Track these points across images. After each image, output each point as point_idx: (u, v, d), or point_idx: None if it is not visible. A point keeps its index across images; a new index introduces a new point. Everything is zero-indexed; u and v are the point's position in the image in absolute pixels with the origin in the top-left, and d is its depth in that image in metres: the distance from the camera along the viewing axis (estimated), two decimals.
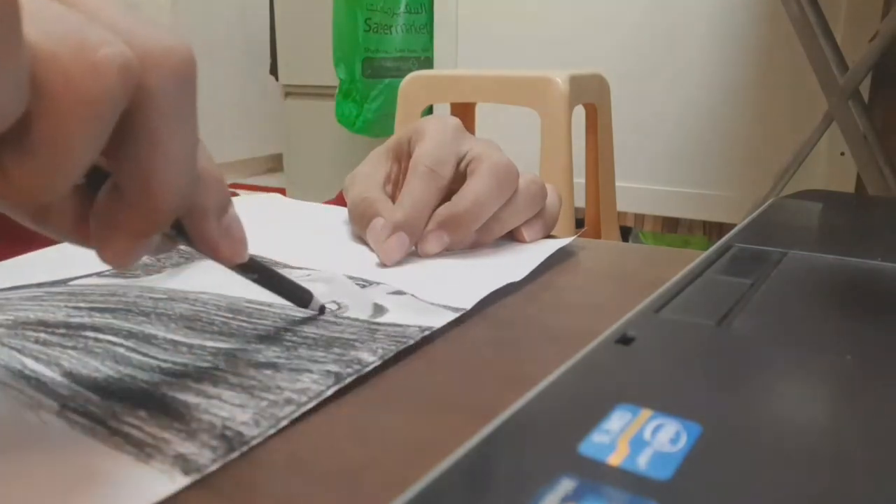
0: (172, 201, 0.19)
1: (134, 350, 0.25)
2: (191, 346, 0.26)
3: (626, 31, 1.73)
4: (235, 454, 0.19)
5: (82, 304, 0.29)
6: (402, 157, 0.42)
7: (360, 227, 0.39)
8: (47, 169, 0.16)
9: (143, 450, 0.19)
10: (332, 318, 0.28)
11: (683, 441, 0.15)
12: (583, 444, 0.15)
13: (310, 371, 0.24)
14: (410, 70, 1.52)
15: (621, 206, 1.57)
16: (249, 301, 0.30)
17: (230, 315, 0.29)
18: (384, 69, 2.07)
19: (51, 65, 0.15)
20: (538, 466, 0.15)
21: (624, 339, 0.21)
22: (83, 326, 0.27)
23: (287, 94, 2.53)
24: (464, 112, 1.47)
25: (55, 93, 0.15)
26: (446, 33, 1.99)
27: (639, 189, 1.77)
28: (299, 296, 0.28)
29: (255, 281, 0.26)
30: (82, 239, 0.21)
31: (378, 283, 0.32)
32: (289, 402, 0.22)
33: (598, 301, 0.33)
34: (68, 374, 0.23)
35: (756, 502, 0.13)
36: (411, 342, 0.26)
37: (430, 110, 1.95)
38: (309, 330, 0.27)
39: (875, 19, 1.47)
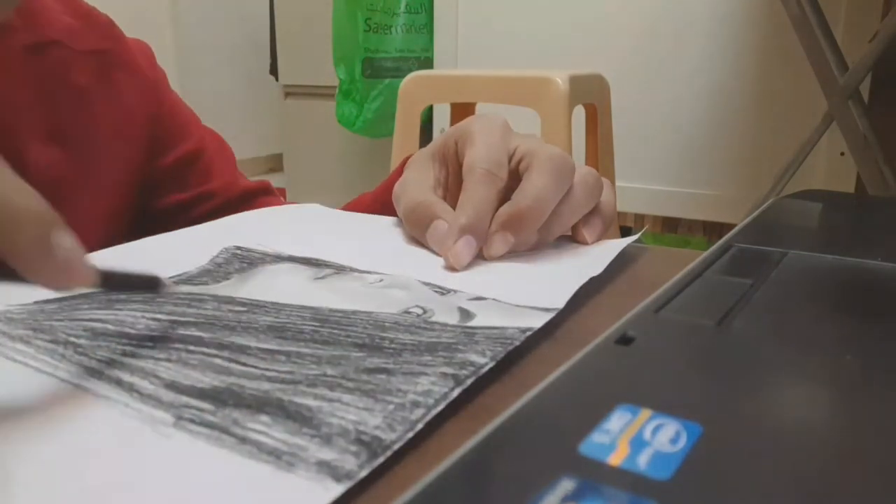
0: None
1: (232, 360, 0.24)
2: (289, 355, 0.24)
3: (627, 31, 1.73)
4: (381, 459, 0.18)
5: (160, 316, 0.28)
6: (450, 160, 0.41)
7: (419, 231, 0.38)
8: None
9: (280, 458, 0.18)
10: (424, 324, 0.27)
11: (683, 441, 0.15)
12: (583, 444, 0.15)
13: (425, 374, 0.22)
14: (410, 70, 1.52)
15: (621, 206, 1.57)
16: (333, 310, 0.29)
17: (317, 324, 0.27)
18: (384, 69, 2.07)
19: None
20: (538, 466, 0.15)
21: (624, 339, 0.21)
22: (169, 339, 0.26)
23: (287, 94, 2.53)
24: (464, 112, 1.47)
25: None
26: (446, 33, 1.99)
27: (639, 189, 1.77)
28: (148, 282, 0.27)
29: (101, 287, 0.24)
30: None
31: (456, 291, 0.31)
32: (416, 404, 0.21)
33: (597, 301, 0.33)
34: (171, 386, 0.22)
35: (756, 502, 0.13)
36: (517, 342, 0.25)
37: (430, 110, 1.95)
38: (405, 337, 0.26)
39: (875, 19, 1.47)
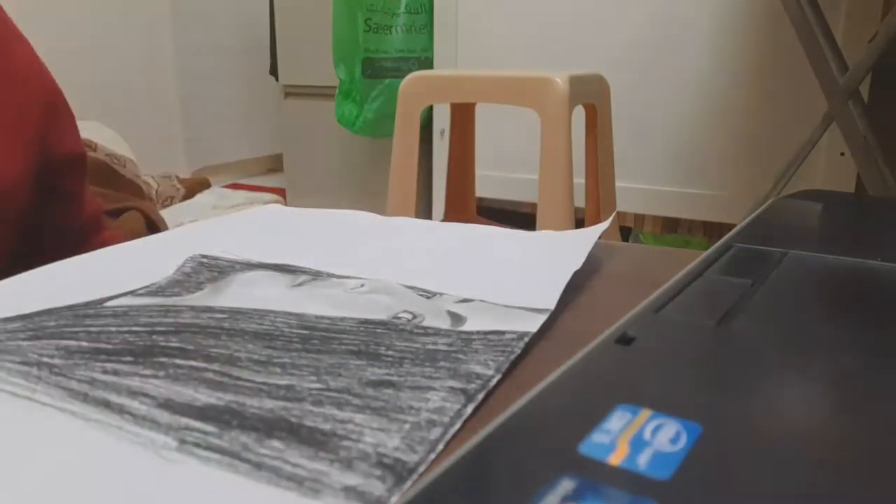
0: None
1: (223, 374, 0.23)
2: (283, 366, 0.23)
3: (626, 31, 1.73)
4: (408, 484, 0.17)
5: (137, 328, 0.26)
6: None
7: None
8: None
9: (302, 484, 0.17)
10: (417, 329, 0.26)
11: (683, 441, 0.15)
12: (583, 444, 0.15)
13: (433, 388, 0.22)
14: (410, 70, 1.52)
15: (621, 206, 1.57)
16: (319, 316, 0.28)
17: (306, 331, 0.26)
18: (384, 69, 2.07)
19: None
20: (538, 466, 0.15)
21: (624, 339, 0.21)
22: (151, 352, 0.24)
23: (287, 95, 2.53)
24: (464, 112, 1.47)
25: None
26: (446, 33, 1.99)
27: (639, 189, 1.77)
28: None
29: None
30: None
31: (441, 294, 0.30)
32: (432, 423, 0.20)
33: (598, 301, 0.33)
34: (165, 406, 0.21)
35: (756, 502, 0.13)
36: (518, 351, 0.24)
37: (430, 110, 1.95)
38: (401, 343, 0.25)
39: (875, 19, 1.47)
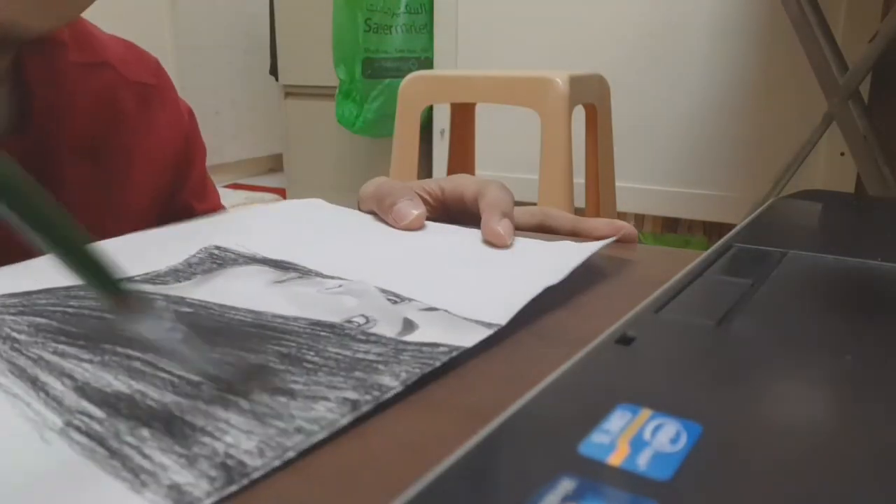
0: None
1: (149, 364, 0.25)
2: (209, 362, 0.25)
3: (626, 31, 1.73)
4: (234, 487, 0.18)
5: (107, 315, 0.29)
6: (432, 194, 0.46)
7: (387, 202, 0.43)
8: None
9: (138, 476, 0.18)
10: (361, 335, 0.27)
11: (683, 441, 0.15)
12: (583, 444, 0.15)
13: (326, 399, 0.22)
14: (410, 70, 1.52)
15: (621, 206, 1.57)
16: (275, 315, 0.29)
17: (255, 329, 0.28)
18: (384, 69, 2.07)
19: None
20: (538, 466, 0.15)
21: (624, 339, 0.21)
22: (103, 338, 0.26)
23: (287, 95, 2.53)
24: (464, 112, 1.47)
25: None
26: (446, 33, 1.99)
27: (639, 189, 1.77)
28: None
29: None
30: None
31: (411, 300, 0.31)
32: (299, 430, 0.21)
33: (598, 301, 0.33)
34: (79, 389, 0.23)
35: (756, 502, 0.13)
36: (437, 364, 0.25)
37: (430, 110, 1.95)
38: (333, 349, 0.26)
39: (875, 19, 1.48)
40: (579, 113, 1.29)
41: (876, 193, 1.22)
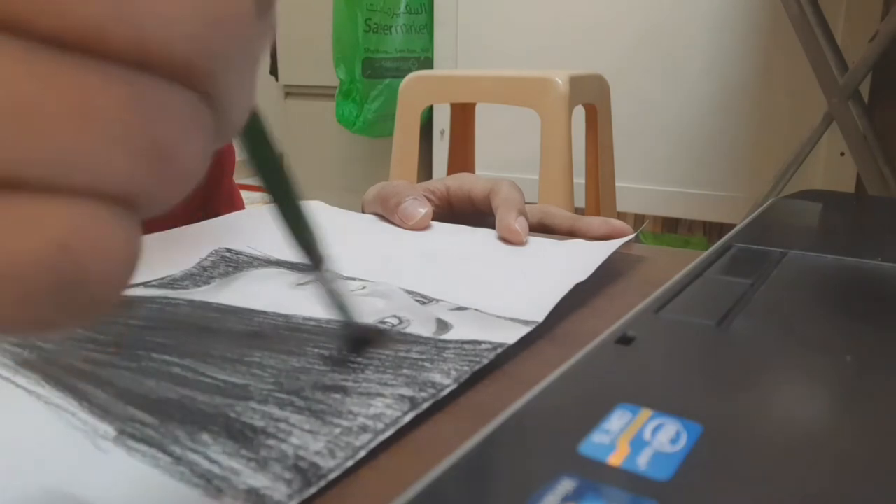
0: None
1: (190, 369, 0.24)
2: (250, 365, 0.24)
3: (626, 31, 1.73)
4: (313, 490, 0.17)
5: (133, 321, 0.28)
6: (438, 194, 0.47)
7: (393, 201, 0.43)
8: None
9: (211, 482, 0.18)
10: (397, 336, 0.27)
11: (683, 441, 0.15)
12: (583, 444, 0.15)
13: (382, 395, 0.22)
14: (410, 70, 1.52)
15: (621, 206, 1.57)
16: (307, 318, 0.29)
17: (289, 332, 0.27)
18: (384, 69, 2.07)
19: None
20: (538, 466, 0.15)
21: (624, 339, 0.21)
22: (136, 345, 0.26)
23: (287, 94, 2.53)
24: (464, 112, 1.47)
25: None
26: (446, 33, 1.99)
27: (639, 189, 1.77)
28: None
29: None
30: None
31: (438, 301, 0.31)
32: (364, 429, 0.20)
33: (598, 301, 0.33)
34: (122, 396, 0.22)
35: (756, 502, 0.13)
36: (485, 362, 0.24)
37: (430, 110, 1.95)
38: (373, 350, 0.26)
39: (875, 19, 1.47)
40: (579, 113, 1.29)
41: (876, 193, 1.22)
